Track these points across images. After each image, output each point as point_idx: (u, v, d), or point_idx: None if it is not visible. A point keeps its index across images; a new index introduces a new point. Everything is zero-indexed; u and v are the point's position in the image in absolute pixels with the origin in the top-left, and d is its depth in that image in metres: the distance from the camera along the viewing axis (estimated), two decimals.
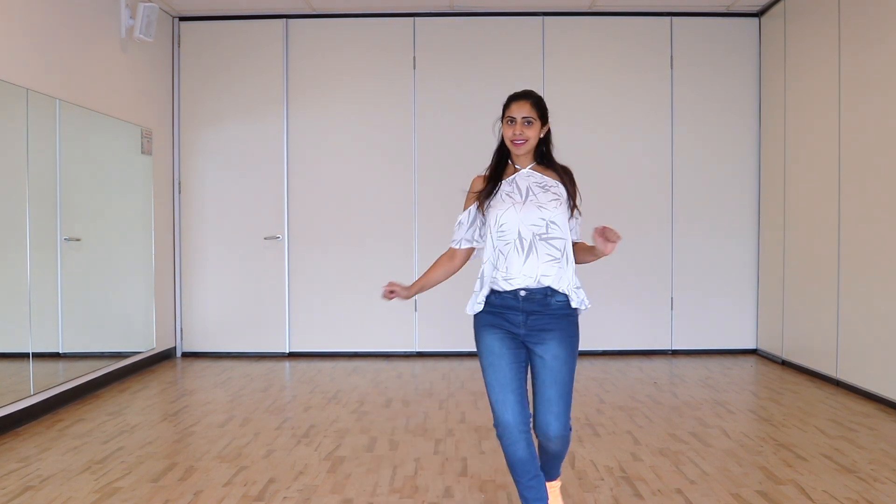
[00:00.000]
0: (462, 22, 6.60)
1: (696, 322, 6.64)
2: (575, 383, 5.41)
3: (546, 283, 2.59)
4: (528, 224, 2.60)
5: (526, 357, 2.63)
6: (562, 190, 2.69)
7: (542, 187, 2.68)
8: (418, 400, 5.01)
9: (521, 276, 2.59)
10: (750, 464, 3.60)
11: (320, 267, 6.64)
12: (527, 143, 2.67)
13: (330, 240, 6.63)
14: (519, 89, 2.77)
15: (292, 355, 6.68)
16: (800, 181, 5.80)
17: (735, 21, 6.58)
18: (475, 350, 2.68)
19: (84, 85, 5.19)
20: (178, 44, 6.65)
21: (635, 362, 6.29)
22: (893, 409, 4.59)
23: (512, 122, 2.67)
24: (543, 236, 2.60)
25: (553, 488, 2.87)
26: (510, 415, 2.53)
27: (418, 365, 6.27)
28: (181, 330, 6.70)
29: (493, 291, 2.64)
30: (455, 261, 2.79)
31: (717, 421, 4.40)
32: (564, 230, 2.63)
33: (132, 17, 5.78)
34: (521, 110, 2.66)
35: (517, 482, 2.59)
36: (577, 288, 2.65)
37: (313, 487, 3.33)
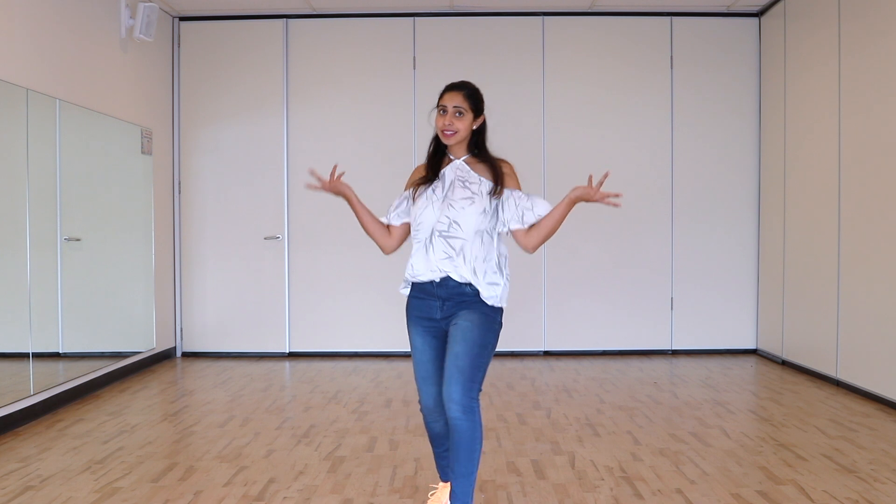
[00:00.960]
0: (462, 22, 6.60)
1: (696, 322, 6.64)
2: (575, 384, 5.44)
3: (447, 273, 2.68)
4: (436, 220, 2.70)
5: (443, 341, 2.76)
6: (484, 187, 2.72)
7: (464, 183, 2.72)
8: (418, 400, 5.00)
9: (426, 271, 2.70)
10: (750, 464, 3.60)
11: (320, 267, 6.64)
12: (456, 134, 2.71)
13: (330, 240, 6.63)
14: (454, 81, 2.80)
15: (292, 355, 6.68)
16: (800, 181, 5.80)
17: (735, 21, 6.58)
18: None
19: (84, 85, 5.19)
20: (178, 44, 6.65)
21: (635, 362, 6.29)
22: (893, 409, 4.59)
23: (444, 111, 2.72)
24: (443, 234, 2.68)
25: (444, 493, 2.89)
26: (431, 401, 2.80)
27: None
28: (181, 330, 6.71)
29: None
30: (389, 238, 2.91)
31: (717, 421, 4.40)
32: (467, 231, 2.67)
33: (132, 17, 5.78)
34: (453, 100, 2.71)
35: (434, 452, 2.94)
36: (491, 284, 2.70)
37: (313, 487, 3.33)
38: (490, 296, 2.69)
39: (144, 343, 6.10)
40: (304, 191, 6.63)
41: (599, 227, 6.57)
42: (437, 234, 2.68)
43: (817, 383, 5.41)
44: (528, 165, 6.46)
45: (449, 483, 2.83)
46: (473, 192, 2.70)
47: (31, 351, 4.57)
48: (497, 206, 2.72)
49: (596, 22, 6.60)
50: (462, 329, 2.66)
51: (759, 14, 6.53)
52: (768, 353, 6.39)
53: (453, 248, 2.67)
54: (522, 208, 2.73)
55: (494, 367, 5.77)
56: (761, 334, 6.54)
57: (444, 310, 2.71)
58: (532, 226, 2.74)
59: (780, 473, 3.45)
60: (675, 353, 6.66)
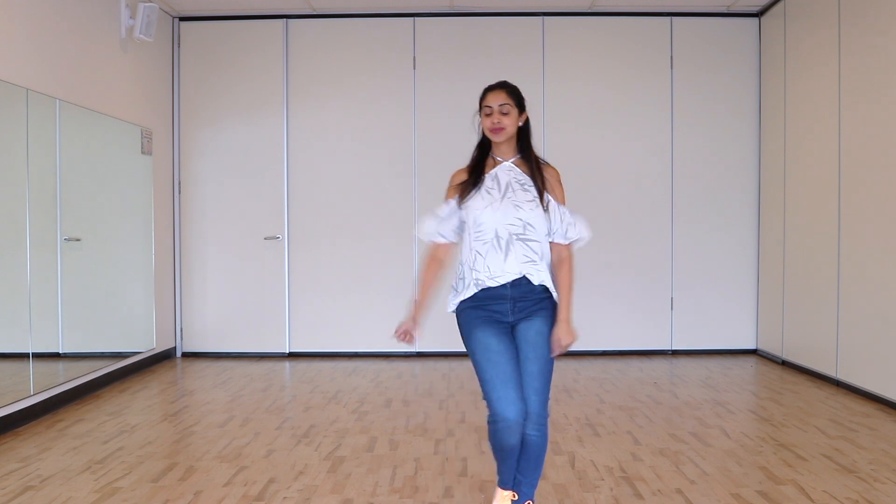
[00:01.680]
0: (462, 22, 6.60)
1: (696, 322, 6.64)
2: (575, 384, 5.44)
3: (524, 274, 2.64)
4: (505, 224, 2.65)
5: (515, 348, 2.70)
6: (536, 191, 2.70)
7: (522, 185, 2.70)
8: (418, 400, 5.01)
9: (504, 273, 2.64)
10: (750, 464, 3.60)
11: (320, 267, 6.65)
12: (505, 130, 2.69)
13: (330, 240, 6.63)
14: (492, 83, 2.79)
15: (292, 355, 6.68)
16: (800, 181, 5.80)
17: (735, 21, 6.58)
18: None
19: (84, 85, 5.19)
20: (178, 44, 6.65)
21: (635, 362, 6.29)
22: (893, 409, 4.59)
23: (489, 111, 2.71)
24: (521, 237, 2.64)
25: (506, 497, 2.80)
26: (511, 411, 2.56)
27: (418, 365, 6.27)
28: (181, 330, 6.71)
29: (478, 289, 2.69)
30: (441, 259, 2.83)
31: (717, 421, 4.40)
32: (540, 233, 2.66)
33: (132, 17, 5.78)
34: (497, 99, 2.70)
35: (502, 465, 2.72)
36: (551, 282, 2.70)
37: (313, 487, 3.33)
38: (554, 292, 2.70)
39: (144, 343, 6.10)
40: (304, 191, 6.63)
41: (599, 227, 6.56)
42: (513, 237, 2.63)
43: (817, 383, 5.41)
44: None
45: (512, 491, 2.77)
46: (534, 195, 2.68)
47: (31, 351, 4.57)
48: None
49: (596, 22, 6.60)
50: (534, 345, 2.64)
51: (759, 14, 6.53)
52: (768, 354, 6.39)
53: (535, 252, 2.65)
54: (567, 224, 2.71)
55: None
56: (761, 334, 6.54)
57: (516, 312, 2.66)
58: (562, 260, 2.72)
59: (780, 473, 3.45)
60: (675, 353, 6.66)
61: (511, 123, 2.70)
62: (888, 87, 4.62)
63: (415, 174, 6.52)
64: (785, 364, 6.09)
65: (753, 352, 6.65)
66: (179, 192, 6.67)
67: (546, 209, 2.67)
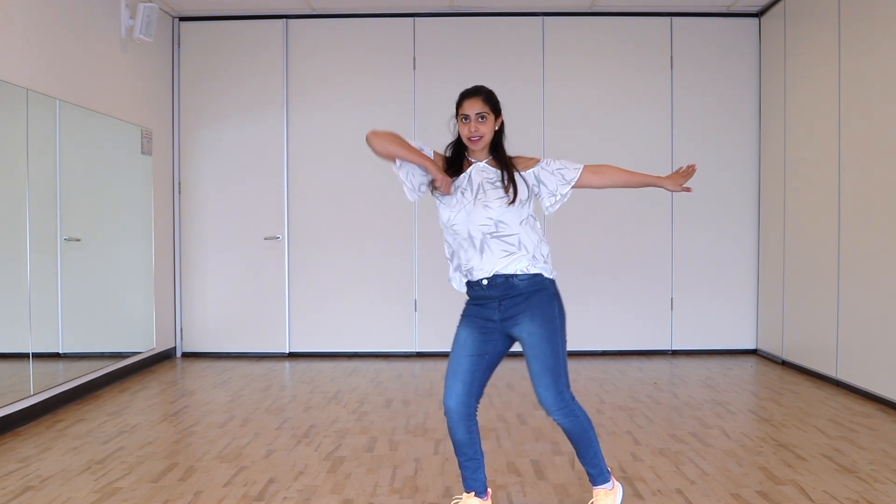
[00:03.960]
0: (462, 22, 6.60)
1: (696, 322, 6.64)
2: (575, 384, 5.43)
3: (501, 271, 2.71)
4: (477, 225, 2.72)
5: (498, 349, 2.78)
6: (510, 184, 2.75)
7: (493, 184, 2.75)
8: (418, 400, 5.01)
9: (479, 269, 2.72)
10: (750, 464, 3.60)
11: (320, 267, 6.64)
12: (482, 139, 2.75)
13: (330, 240, 6.63)
14: (467, 88, 2.80)
15: (292, 355, 6.68)
16: (800, 181, 5.80)
17: (735, 21, 6.58)
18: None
19: (84, 85, 5.19)
20: (178, 44, 6.65)
21: (635, 362, 6.29)
22: (893, 409, 4.59)
23: (466, 119, 2.74)
24: (494, 234, 2.71)
25: (599, 494, 2.87)
26: (453, 401, 2.73)
27: (418, 365, 6.27)
28: (181, 330, 6.71)
29: (466, 281, 2.80)
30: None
31: (717, 421, 4.40)
32: (514, 224, 2.72)
33: (132, 17, 5.78)
34: (474, 107, 2.74)
35: (458, 460, 2.83)
36: (541, 262, 2.75)
37: (313, 487, 3.33)
38: (543, 269, 2.75)
39: (144, 343, 6.10)
40: (304, 191, 6.63)
41: (599, 226, 6.57)
42: (487, 236, 2.70)
43: (817, 383, 5.40)
44: None
45: (472, 494, 2.82)
46: (503, 193, 2.73)
47: (31, 351, 4.57)
48: (532, 190, 2.79)
49: (596, 22, 6.60)
50: (531, 346, 2.70)
51: (759, 14, 6.53)
52: (768, 354, 6.39)
53: (513, 245, 2.71)
54: (558, 183, 2.79)
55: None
56: (761, 334, 6.54)
57: (502, 310, 2.73)
58: (600, 173, 2.87)
59: (780, 473, 3.45)
60: (675, 353, 6.66)
61: (488, 131, 2.75)
62: (888, 88, 4.61)
63: None
64: (785, 364, 6.09)
65: (753, 352, 6.65)
66: (179, 192, 6.67)
67: (516, 202, 2.70)
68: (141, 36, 5.80)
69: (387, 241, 6.60)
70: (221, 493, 3.25)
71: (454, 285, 2.86)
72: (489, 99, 2.76)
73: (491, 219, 2.70)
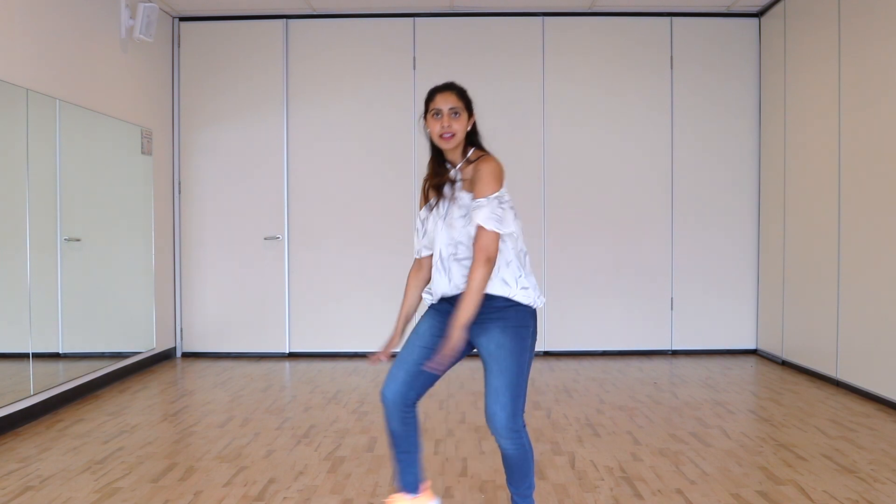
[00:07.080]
0: (462, 22, 6.60)
1: (696, 322, 6.64)
2: (575, 383, 5.44)
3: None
4: (445, 244, 2.58)
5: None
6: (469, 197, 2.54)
7: (457, 200, 2.56)
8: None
9: (445, 291, 2.60)
10: (750, 464, 3.60)
11: (320, 267, 6.65)
12: (455, 136, 2.56)
13: (330, 240, 6.63)
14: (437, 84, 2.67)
15: (292, 355, 6.68)
16: (800, 181, 5.80)
17: (735, 21, 6.58)
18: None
19: (84, 85, 5.19)
20: (178, 44, 6.65)
21: (635, 362, 6.29)
22: (893, 409, 4.59)
23: (438, 114, 2.56)
24: (454, 256, 2.56)
25: None
26: (390, 390, 2.60)
27: None
28: (181, 330, 6.71)
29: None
30: (423, 270, 2.74)
31: (717, 421, 4.40)
32: (471, 246, 2.51)
33: (132, 17, 5.78)
34: (447, 101, 2.56)
35: (391, 453, 2.70)
36: (522, 289, 2.54)
37: (313, 487, 3.33)
38: (524, 298, 2.54)
39: (144, 343, 6.10)
40: (304, 191, 6.63)
41: (599, 226, 6.57)
42: (450, 257, 2.56)
43: (817, 383, 5.41)
44: (528, 166, 6.47)
45: (402, 493, 2.71)
46: (464, 208, 2.55)
47: (31, 351, 4.57)
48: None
49: (596, 22, 6.60)
50: (496, 359, 2.49)
51: (759, 14, 6.53)
52: (768, 354, 6.39)
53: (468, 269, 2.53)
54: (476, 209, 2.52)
55: None
56: (761, 334, 6.54)
57: (472, 323, 2.52)
58: (476, 246, 2.50)
59: (780, 473, 3.45)
60: (675, 353, 6.66)
61: (461, 129, 2.57)
62: (888, 87, 4.62)
63: (415, 174, 6.52)
64: (785, 364, 6.09)
65: (753, 352, 6.65)
66: (179, 192, 6.67)
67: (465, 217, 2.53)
68: (141, 36, 5.81)
69: (387, 240, 6.60)
70: (221, 493, 3.25)
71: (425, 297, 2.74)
72: (463, 95, 2.59)
73: (452, 239, 2.54)
